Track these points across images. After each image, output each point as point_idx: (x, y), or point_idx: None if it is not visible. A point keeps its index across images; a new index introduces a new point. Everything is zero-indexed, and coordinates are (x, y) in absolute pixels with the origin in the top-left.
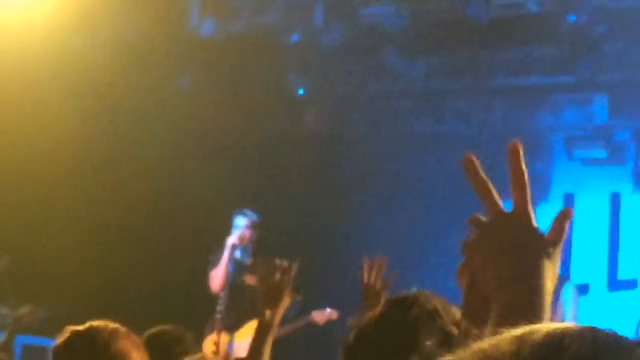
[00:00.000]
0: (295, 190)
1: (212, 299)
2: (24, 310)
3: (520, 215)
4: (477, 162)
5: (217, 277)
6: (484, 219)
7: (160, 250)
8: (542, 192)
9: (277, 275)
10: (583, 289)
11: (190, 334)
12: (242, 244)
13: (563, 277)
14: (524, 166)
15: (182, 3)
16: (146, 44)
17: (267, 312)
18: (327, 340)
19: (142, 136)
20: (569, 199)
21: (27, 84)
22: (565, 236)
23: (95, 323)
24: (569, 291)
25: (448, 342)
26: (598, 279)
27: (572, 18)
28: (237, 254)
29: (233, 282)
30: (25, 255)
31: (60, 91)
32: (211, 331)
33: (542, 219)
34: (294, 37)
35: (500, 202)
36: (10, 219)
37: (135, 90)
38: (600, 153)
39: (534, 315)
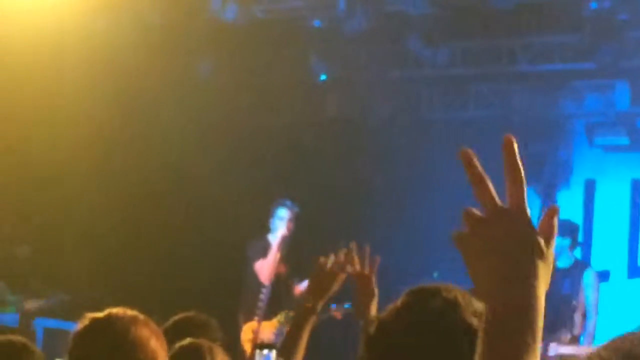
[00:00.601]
0: (317, 176)
1: (238, 287)
2: (30, 305)
3: (516, 213)
4: (474, 156)
5: (267, 268)
6: (478, 213)
7: (184, 236)
8: (563, 179)
9: (330, 264)
10: (604, 276)
11: (214, 320)
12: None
13: (584, 263)
14: (519, 161)
15: None
16: (168, 28)
17: (311, 299)
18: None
19: (163, 121)
20: (590, 186)
21: (50, 66)
22: (555, 233)
23: (115, 310)
24: (590, 277)
25: (469, 333)
26: (618, 266)
27: (594, 5)
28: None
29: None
30: (47, 243)
31: (82, 73)
32: (249, 319)
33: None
34: (317, 23)
35: (497, 198)
36: (31, 207)
37: (157, 75)
38: (622, 140)
39: (527, 317)
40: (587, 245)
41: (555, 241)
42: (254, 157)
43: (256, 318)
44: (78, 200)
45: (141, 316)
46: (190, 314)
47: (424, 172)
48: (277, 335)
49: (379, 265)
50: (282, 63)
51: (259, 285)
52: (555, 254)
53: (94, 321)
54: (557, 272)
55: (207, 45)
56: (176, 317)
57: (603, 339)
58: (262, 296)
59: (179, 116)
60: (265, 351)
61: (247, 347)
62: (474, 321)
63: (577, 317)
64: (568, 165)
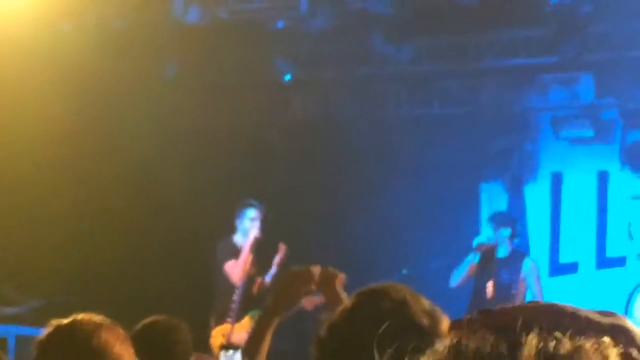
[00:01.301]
0: (284, 176)
1: (208, 290)
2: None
3: None
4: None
5: (238, 269)
6: None
7: (154, 238)
8: (530, 172)
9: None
10: (571, 267)
11: (184, 324)
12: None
13: (522, 253)
14: None
15: None
16: (132, 31)
17: (273, 298)
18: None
19: (129, 123)
20: (556, 178)
21: (14, 70)
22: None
23: (80, 316)
24: (529, 265)
25: (421, 334)
26: (587, 257)
27: None
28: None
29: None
30: (20, 247)
31: (47, 77)
32: (221, 322)
33: (530, 198)
34: (280, 23)
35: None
36: (2, 212)
37: (122, 77)
38: (587, 132)
39: None
40: (554, 238)
41: (495, 231)
42: (220, 158)
43: (229, 320)
44: (46, 203)
45: (107, 321)
46: (161, 317)
47: (391, 168)
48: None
49: (349, 263)
50: (247, 64)
51: (231, 287)
52: (496, 244)
53: (58, 328)
54: (496, 262)
55: (171, 47)
56: (146, 321)
57: None
58: (234, 297)
59: (145, 118)
60: (230, 352)
61: (217, 352)
62: (424, 321)
63: None
64: (534, 159)
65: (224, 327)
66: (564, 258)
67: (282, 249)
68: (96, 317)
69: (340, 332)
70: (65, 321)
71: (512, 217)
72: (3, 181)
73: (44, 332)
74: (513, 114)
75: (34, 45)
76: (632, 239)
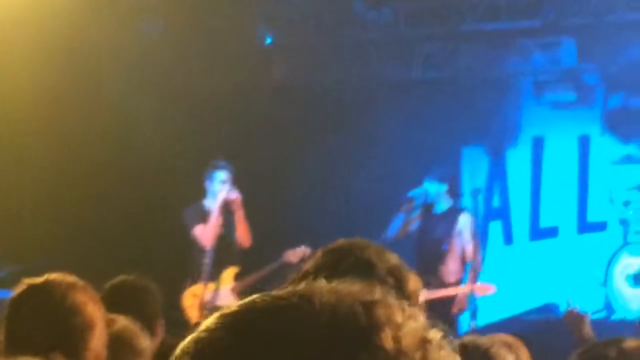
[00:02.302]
0: (265, 140)
1: (183, 252)
2: None
3: None
4: None
5: (208, 232)
6: None
7: (132, 203)
8: (511, 136)
9: None
10: (552, 232)
11: (154, 284)
12: (230, 198)
13: (459, 209)
14: None
15: None
16: None
17: None
18: None
19: (111, 83)
20: (538, 142)
21: None
22: None
23: (52, 276)
24: (464, 221)
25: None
26: (567, 222)
27: None
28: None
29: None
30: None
31: (31, 38)
32: (193, 283)
33: (511, 162)
34: None
35: None
36: None
37: (106, 37)
38: (569, 96)
39: None
40: (535, 202)
41: (432, 186)
42: (200, 120)
43: (201, 283)
44: (27, 165)
45: (80, 282)
46: (129, 277)
47: (373, 132)
48: (213, 297)
49: (328, 226)
50: (228, 27)
51: (201, 250)
52: (432, 199)
53: (31, 286)
54: (432, 217)
55: (156, 7)
56: (114, 280)
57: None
58: (205, 260)
59: (125, 81)
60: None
61: (191, 312)
62: (390, 280)
63: (453, 263)
64: (516, 123)
65: (195, 288)
66: (544, 222)
67: (237, 203)
68: (69, 278)
69: None
70: (38, 280)
71: (451, 173)
72: None
73: (17, 290)
74: (494, 78)
75: (19, 8)
76: (613, 204)
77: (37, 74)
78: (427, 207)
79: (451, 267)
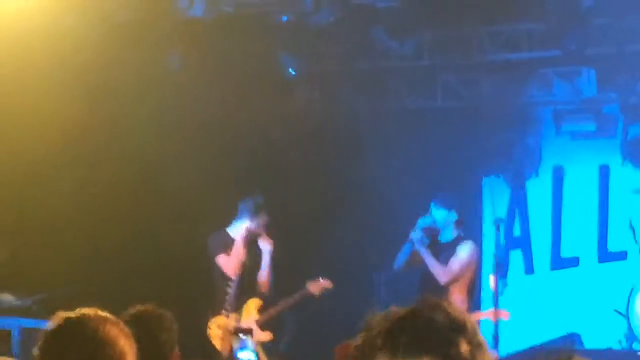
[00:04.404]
0: (287, 169)
1: (205, 281)
2: (4, 305)
3: None
4: None
5: (232, 261)
6: None
7: (154, 233)
8: (532, 166)
9: None
10: (573, 261)
11: (169, 313)
12: (255, 229)
13: (463, 238)
14: None
15: None
16: (136, 24)
17: None
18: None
19: (132, 116)
20: (558, 172)
21: (19, 65)
22: None
23: (86, 310)
24: (462, 250)
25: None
26: (588, 251)
27: None
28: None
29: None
30: (24, 243)
31: (51, 72)
32: (217, 313)
33: (532, 192)
34: (284, 18)
35: None
36: (4, 209)
37: (125, 71)
38: (589, 126)
39: None
40: (556, 232)
41: (439, 213)
42: (223, 151)
43: (224, 312)
44: (49, 197)
45: (112, 317)
46: (146, 306)
47: (394, 161)
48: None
49: (351, 256)
50: (250, 58)
51: (225, 279)
52: (440, 227)
53: (67, 320)
54: (437, 245)
55: (175, 40)
56: (131, 310)
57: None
58: (229, 290)
59: (149, 111)
60: (242, 335)
61: (216, 343)
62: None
63: (458, 293)
64: (536, 153)
65: (219, 319)
66: (565, 252)
67: (268, 241)
68: (102, 313)
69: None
70: (72, 314)
71: (459, 200)
72: (7, 177)
73: (52, 323)
74: (515, 108)
75: (39, 40)
76: (634, 233)
77: (60, 108)
78: (434, 235)
79: (455, 297)
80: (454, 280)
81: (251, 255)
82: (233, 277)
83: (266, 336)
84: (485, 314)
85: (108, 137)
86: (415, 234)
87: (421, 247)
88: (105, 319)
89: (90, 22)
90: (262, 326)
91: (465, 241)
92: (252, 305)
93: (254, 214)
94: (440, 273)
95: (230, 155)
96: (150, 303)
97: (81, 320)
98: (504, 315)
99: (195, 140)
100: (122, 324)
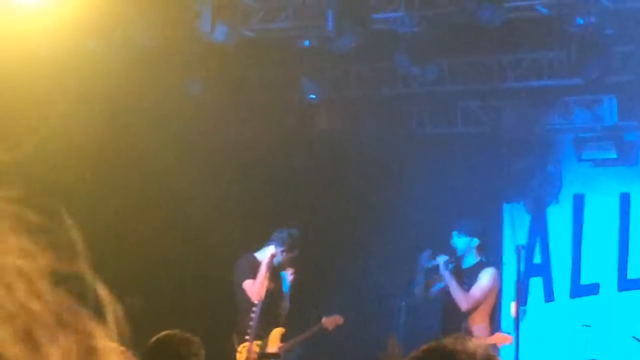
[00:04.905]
0: (308, 194)
1: (231, 308)
2: None
3: None
4: None
5: (257, 287)
6: None
7: (175, 257)
8: (552, 194)
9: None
10: (593, 289)
11: (197, 338)
12: (282, 259)
13: (486, 263)
14: None
15: (194, 8)
16: (158, 48)
17: None
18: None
19: (154, 141)
20: (579, 200)
21: (41, 89)
22: None
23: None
24: (484, 275)
25: None
26: (608, 279)
27: (580, 20)
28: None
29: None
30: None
31: (74, 96)
32: (243, 339)
33: (552, 220)
34: (306, 43)
35: None
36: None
37: (147, 95)
38: (610, 154)
39: None
40: (576, 259)
41: (460, 241)
42: (245, 176)
43: (247, 337)
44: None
45: (120, 348)
46: (174, 331)
47: (415, 187)
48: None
49: (372, 281)
50: (272, 82)
51: (250, 304)
52: (462, 254)
53: None
54: (459, 273)
55: (197, 65)
56: (160, 335)
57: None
58: (253, 315)
59: (170, 136)
60: None
61: None
62: None
63: (480, 319)
64: (557, 180)
65: (247, 344)
66: (585, 279)
67: (291, 271)
68: (110, 343)
69: None
70: None
71: (481, 228)
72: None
73: None
74: (536, 135)
75: (62, 65)
76: None
77: (84, 132)
78: (457, 262)
79: (478, 323)
80: (476, 306)
81: (275, 283)
82: (256, 302)
83: None
84: (491, 340)
85: (131, 160)
86: (441, 258)
87: (445, 272)
88: (112, 349)
89: (112, 46)
90: (284, 356)
91: (487, 267)
92: (277, 333)
93: (286, 246)
94: (462, 299)
95: (251, 180)
96: (176, 328)
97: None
98: (508, 340)
99: (216, 164)
100: (131, 355)
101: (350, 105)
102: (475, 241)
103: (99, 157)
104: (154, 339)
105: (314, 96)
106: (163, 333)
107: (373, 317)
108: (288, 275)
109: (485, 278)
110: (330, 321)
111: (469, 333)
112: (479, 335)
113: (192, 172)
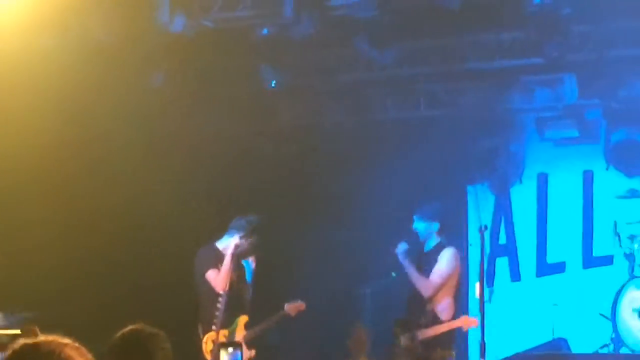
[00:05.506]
0: (271, 182)
1: (190, 298)
2: None
3: None
4: None
5: (221, 277)
6: None
7: (136, 251)
8: (516, 173)
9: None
10: (559, 267)
11: (162, 332)
12: (244, 247)
13: (444, 244)
14: None
15: (152, 0)
16: (117, 42)
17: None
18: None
19: (116, 136)
20: (542, 179)
21: None
22: None
23: (45, 337)
24: (444, 256)
25: None
26: (574, 257)
27: (537, 0)
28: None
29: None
30: (7, 262)
31: (31, 93)
32: (208, 330)
33: (517, 199)
34: (265, 31)
35: None
36: None
37: (107, 90)
38: (572, 132)
39: None
40: (542, 238)
41: (421, 225)
42: (207, 166)
43: (213, 327)
44: (29, 213)
45: (73, 343)
46: (139, 325)
47: (379, 171)
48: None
49: (339, 267)
50: (232, 72)
51: (215, 294)
52: (423, 238)
53: (23, 344)
54: (421, 256)
55: (157, 57)
56: (124, 330)
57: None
58: (219, 305)
59: (131, 128)
60: (231, 349)
61: (209, 358)
62: None
63: (444, 300)
64: (520, 160)
65: (213, 334)
66: (551, 258)
67: (253, 259)
68: (62, 339)
69: None
70: (30, 341)
71: (441, 210)
72: None
73: (9, 349)
74: (497, 116)
75: (18, 61)
76: (618, 238)
77: (42, 130)
78: (420, 246)
79: (442, 303)
80: (437, 291)
81: (238, 272)
82: (221, 292)
83: (251, 354)
84: (457, 323)
85: (90, 155)
86: (399, 248)
87: (404, 262)
88: (64, 345)
89: (69, 41)
90: (248, 343)
91: (446, 248)
92: (242, 322)
93: (245, 233)
94: (423, 286)
95: (214, 170)
96: (141, 322)
97: (38, 345)
98: (473, 323)
99: (178, 157)
100: (83, 350)
101: (312, 92)
102: (436, 225)
103: (59, 155)
104: (118, 334)
105: (274, 84)
106: (128, 328)
107: (339, 304)
108: (251, 263)
109: (444, 260)
110: (292, 307)
111: (434, 315)
112: (445, 317)
113: (155, 164)
